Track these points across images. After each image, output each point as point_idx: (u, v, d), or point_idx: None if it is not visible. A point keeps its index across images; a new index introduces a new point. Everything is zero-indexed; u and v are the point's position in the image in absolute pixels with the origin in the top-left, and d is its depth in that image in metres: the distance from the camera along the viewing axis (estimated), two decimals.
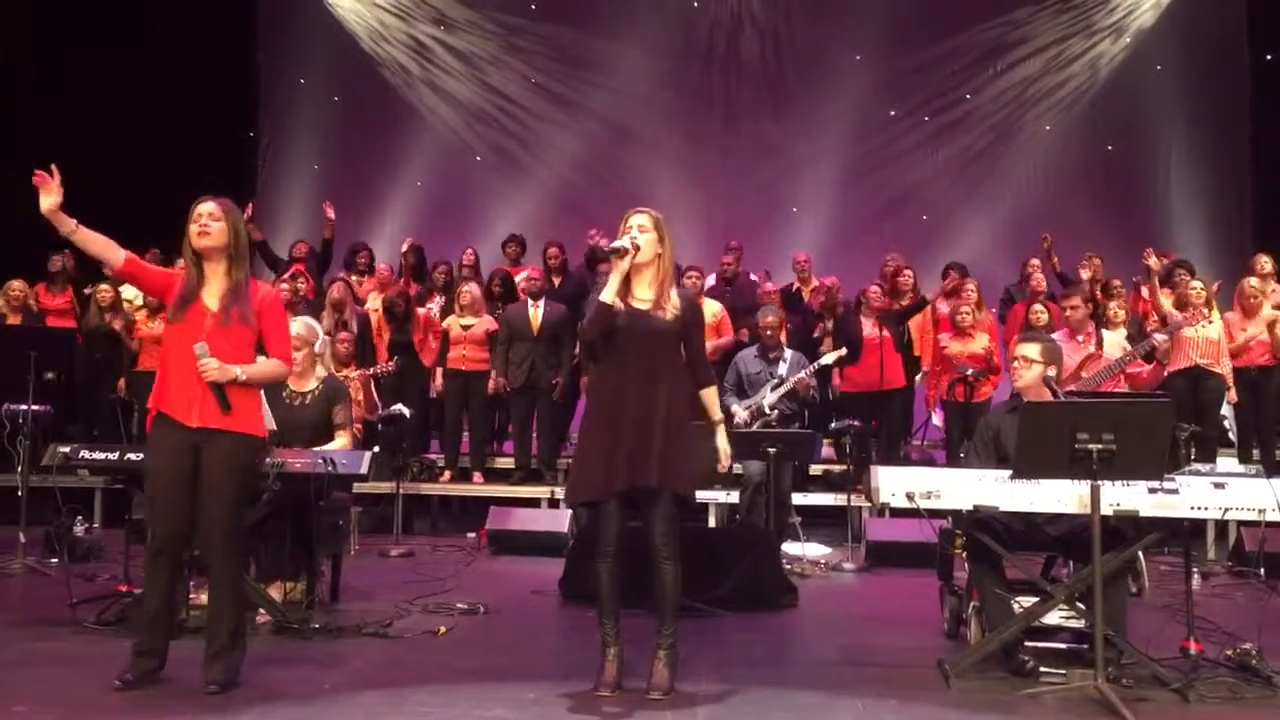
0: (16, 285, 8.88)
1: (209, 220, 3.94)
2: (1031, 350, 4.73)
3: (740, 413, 7.39)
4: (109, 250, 3.95)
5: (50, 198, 3.81)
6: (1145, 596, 5.86)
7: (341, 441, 5.44)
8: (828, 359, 7.77)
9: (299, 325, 5.57)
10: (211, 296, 3.96)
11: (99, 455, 4.95)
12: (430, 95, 12.70)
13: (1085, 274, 8.81)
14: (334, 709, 3.74)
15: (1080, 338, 6.35)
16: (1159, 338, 6.08)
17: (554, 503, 8.20)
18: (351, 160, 12.50)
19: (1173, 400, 5.53)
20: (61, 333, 8.49)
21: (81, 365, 8.80)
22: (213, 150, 11.10)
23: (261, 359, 4.04)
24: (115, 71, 10.77)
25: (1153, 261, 7.39)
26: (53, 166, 3.84)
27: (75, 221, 3.86)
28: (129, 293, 8.84)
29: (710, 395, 4.24)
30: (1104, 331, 6.31)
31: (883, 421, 8.39)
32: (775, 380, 7.46)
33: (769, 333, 7.58)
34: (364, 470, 4.97)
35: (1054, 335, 6.76)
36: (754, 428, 7.27)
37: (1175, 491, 4.14)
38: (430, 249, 10.09)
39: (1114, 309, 7.65)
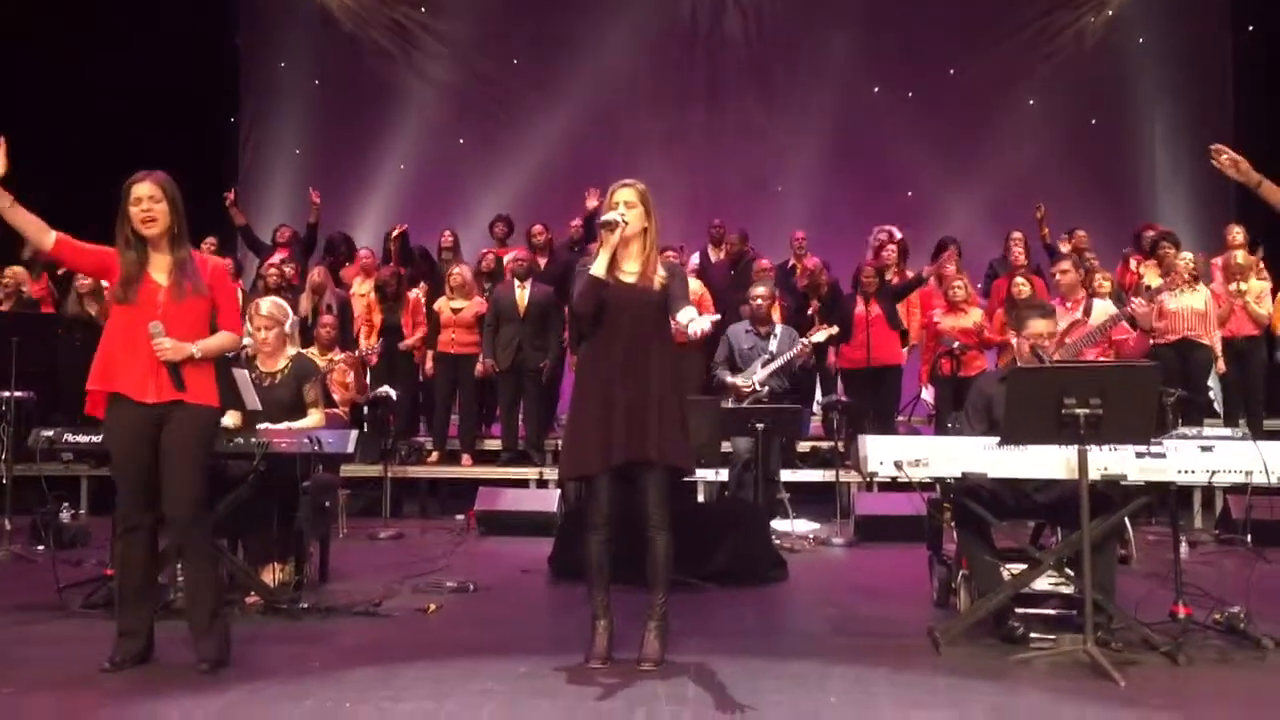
0: (9, 271, 8.77)
1: (150, 204, 3.82)
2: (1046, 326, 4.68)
3: (740, 381, 7.36)
4: (41, 233, 3.82)
5: None
6: (1133, 565, 5.90)
7: (314, 418, 5.40)
8: (819, 337, 7.73)
9: (268, 304, 5.53)
10: (159, 272, 3.86)
11: (82, 438, 4.95)
12: (412, 78, 12.61)
13: (1064, 248, 8.82)
14: (325, 686, 3.71)
15: (1069, 304, 6.32)
16: (1137, 302, 6.08)
17: (542, 483, 8.22)
18: (333, 144, 12.40)
19: (1161, 368, 5.54)
20: (43, 318, 8.42)
21: (63, 352, 8.72)
22: (194, 136, 10.99)
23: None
24: (94, 57, 10.65)
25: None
26: None
27: (12, 198, 3.75)
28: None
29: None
30: (1094, 300, 6.28)
31: (876, 398, 8.39)
32: (766, 356, 7.42)
33: (759, 303, 7.52)
34: (350, 450, 4.90)
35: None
36: (745, 404, 7.26)
37: (1163, 455, 4.15)
38: (414, 232, 10.02)
39: (1099, 280, 7.68)
